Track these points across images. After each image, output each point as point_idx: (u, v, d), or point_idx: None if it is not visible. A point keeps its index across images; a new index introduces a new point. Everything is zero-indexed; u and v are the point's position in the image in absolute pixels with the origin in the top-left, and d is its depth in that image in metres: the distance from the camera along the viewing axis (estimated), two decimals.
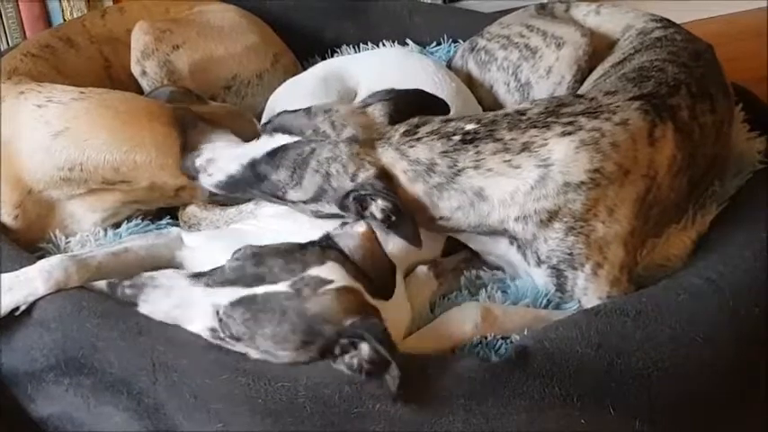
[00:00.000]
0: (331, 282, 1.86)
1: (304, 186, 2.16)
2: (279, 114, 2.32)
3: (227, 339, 1.87)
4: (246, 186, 2.25)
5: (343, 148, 2.14)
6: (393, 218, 2.08)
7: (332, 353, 1.85)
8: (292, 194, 2.18)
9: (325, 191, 2.15)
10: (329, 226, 2.07)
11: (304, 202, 2.19)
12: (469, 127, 2.15)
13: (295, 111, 2.26)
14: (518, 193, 2.10)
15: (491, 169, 2.10)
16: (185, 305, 1.90)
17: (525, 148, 2.10)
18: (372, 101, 2.25)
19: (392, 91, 2.27)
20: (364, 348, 1.80)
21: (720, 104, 2.39)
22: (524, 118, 2.16)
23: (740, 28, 4.41)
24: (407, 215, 2.08)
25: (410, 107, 2.22)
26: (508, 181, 2.10)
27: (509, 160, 2.09)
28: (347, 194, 2.12)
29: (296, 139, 2.18)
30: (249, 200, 2.42)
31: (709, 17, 4.45)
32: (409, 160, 2.12)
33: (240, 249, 1.92)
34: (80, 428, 2.05)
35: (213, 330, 1.88)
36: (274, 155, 2.19)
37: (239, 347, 1.88)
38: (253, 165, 2.21)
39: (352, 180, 2.12)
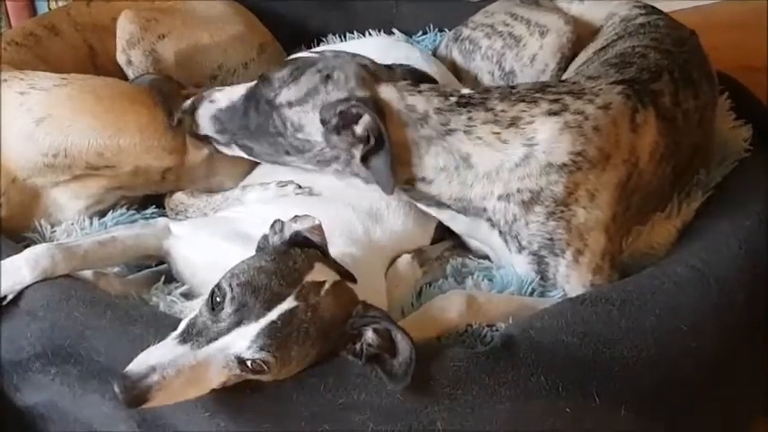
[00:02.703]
0: (324, 283, 1.83)
1: (299, 83, 2.19)
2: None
3: (252, 374, 1.79)
4: (242, 114, 2.27)
5: (353, 65, 2.20)
6: (372, 140, 2.09)
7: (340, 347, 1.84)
8: (284, 94, 2.20)
9: (317, 92, 2.17)
10: (316, 210, 2.06)
11: (290, 104, 2.20)
12: (465, 91, 2.20)
13: None
14: (503, 168, 2.12)
15: (480, 138, 2.12)
16: (199, 375, 1.74)
17: (513, 123, 2.13)
18: (394, 66, 2.31)
19: (416, 69, 2.38)
20: (368, 334, 1.80)
21: (704, 91, 2.40)
22: (514, 91, 2.19)
23: (728, 17, 4.42)
24: (387, 145, 2.08)
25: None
26: (495, 154, 2.12)
27: (498, 133, 2.12)
28: (337, 103, 2.13)
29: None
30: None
31: (696, 6, 4.45)
32: (405, 104, 2.15)
33: (215, 289, 1.78)
34: (66, 417, 2.05)
35: (237, 376, 1.78)
36: (285, 62, 2.28)
37: (265, 378, 1.81)
38: (261, 76, 2.27)
39: (349, 92, 2.15)
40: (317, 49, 2.93)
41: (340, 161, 2.20)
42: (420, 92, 2.18)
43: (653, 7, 2.67)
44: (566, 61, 2.65)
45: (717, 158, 2.54)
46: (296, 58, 2.29)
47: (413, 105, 2.15)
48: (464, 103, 2.16)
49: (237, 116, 2.30)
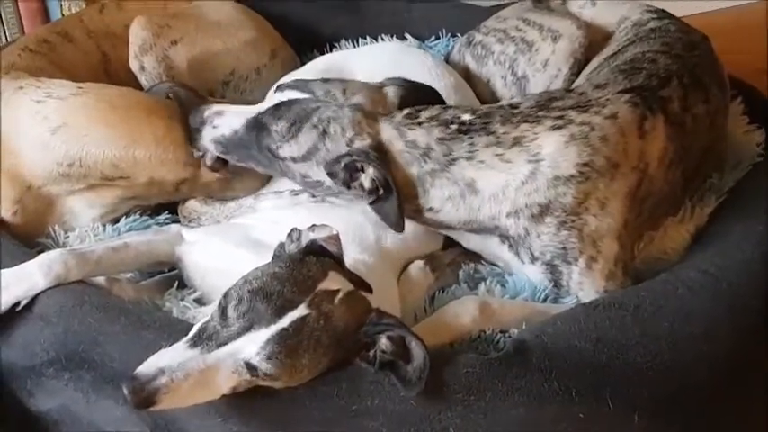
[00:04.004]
0: (338, 291, 1.83)
1: (299, 141, 2.17)
2: (296, 79, 2.35)
3: (262, 380, 1.79)
4: (246, 146, 2.26)
5: (347, 111, 2.17)
6: (381, 191, 2.10)
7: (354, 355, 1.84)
8: (286, 149, 2.19)
9: (318, 150, 2.16)
10: (328, 217, 2.07)
11: (294, 160, 2.19)
12: (465, 117, 2.17)
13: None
14: (509, 188, 2.11)
15: (483, 161, 2.11)
16: (208, 379, 1.74)
17: (517, 142, 2.12)
18: (389, 83, 2.28)
19: (408, 81, 2.32)
20: (382, 341, 1.80)
21: (714, 95, 2.39)
22: (516, 112, 2.18)
23: (740, 22, 4.42)
24: (395, 193, 2.09)
25: (420, 101, 2.25)
26: (499, 175, 2.11)
27: (501, 154, 2.11)
28: (339, 158, 2.13)
29: (305, 96, 2.23)
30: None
31: (710, 11, 4.46)
32: (406, 141, 2.14)
33: (228, 294, 1.78)
34: (79, 422, 2.05)
35: (248, 381, 1.78)
36: (279, 107, 2.23)
37: (276, 384, 1.81)
38: (257, 118, 2.24)
39: (348, 145, 2.14)
40: (307, 70, 2.89)
41: (346, 195, 2.21)
42: (420, 123, 2.16)
43: (664, 11, 2.66)
44: (578, 66, 2.64)
45: (730, 163, 2.53)
46: (290, 105, 2.24)
47: (413, 141, 2.14)
48: (465, 130, 2.14)
49: (241, 146, 2.29)
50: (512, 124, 2.14)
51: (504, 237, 2.18)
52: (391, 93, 2.27)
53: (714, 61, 2.51)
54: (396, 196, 2.09)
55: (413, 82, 2.35)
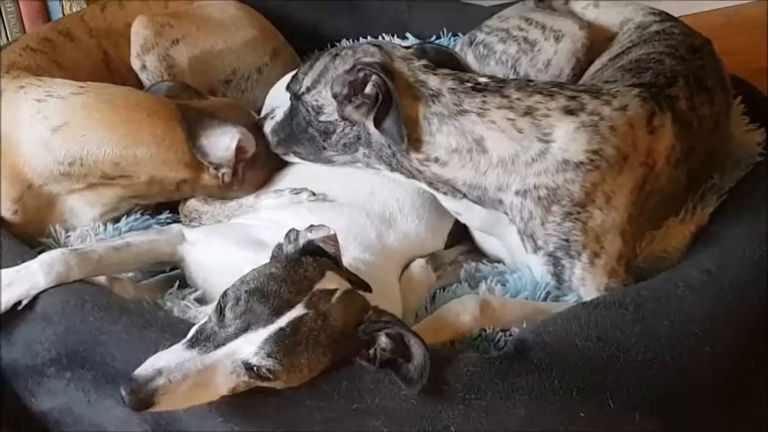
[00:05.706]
0: (335, 290, 1.83)
1: (314, 69, 2.25)
2: None
3: (261, 381, 1.78)
4: (288, 121, 2.34)
5: (363, 45, 2.24)
6: (381, 97, 2.10)
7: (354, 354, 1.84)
8: (304, 82, 2.26)
9: (327, 70, 2.22)
10: (329, 216, 2.06)
11: (308, 90, 2.24)
12: (482, 80, 2.20)
13: None
14: (518, 160, 2.11)
15: (494, 122, 2.12)
16: (206, 380, 1.74)
17: (528, 112, 2.13)
18: (415, 43, 2.32)
19: (440, 48, 2.39)
20: (382, 339, 1.80)
21: (719, 97, 2.39)
22: (531, 83, 2.21)
23: (740, 21, 4.43)
24: (396, 96, 2.09)
25: (440, 64, 2.27)
26: (510, 142, 2.12)
27: (512, 120, 2.12)
28: (344, 74, 2.16)
29: None
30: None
31: (711, 10, 4.46)
32: (417, 79, 2.17)
33: (225, 295, 1.79)
34: (80, 422, 2.05)
35: (246, 383, 1.78)
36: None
37: (276, 385, 1.80)
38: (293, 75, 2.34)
39: (354, 62, 2.18)
40: None
41: (362, 141, 2.21)
42: (435, 74, 2.19)
43: (667, 14, 2.66)
44: (580, 67, 2.63)
45: (731, 162, 2.53)
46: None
47: (425, 82, 2.17)
48: (480, 89, 2.16)
49: (287, 124, 2.36)
50: (526, 92, 2.16)
51: (510, 218, 2.18)
52: (414, 48, 2.30)
53: (717, 64, 2.51)
54: (396, 102, 2.09)
55: (447, 50, 2.40)
